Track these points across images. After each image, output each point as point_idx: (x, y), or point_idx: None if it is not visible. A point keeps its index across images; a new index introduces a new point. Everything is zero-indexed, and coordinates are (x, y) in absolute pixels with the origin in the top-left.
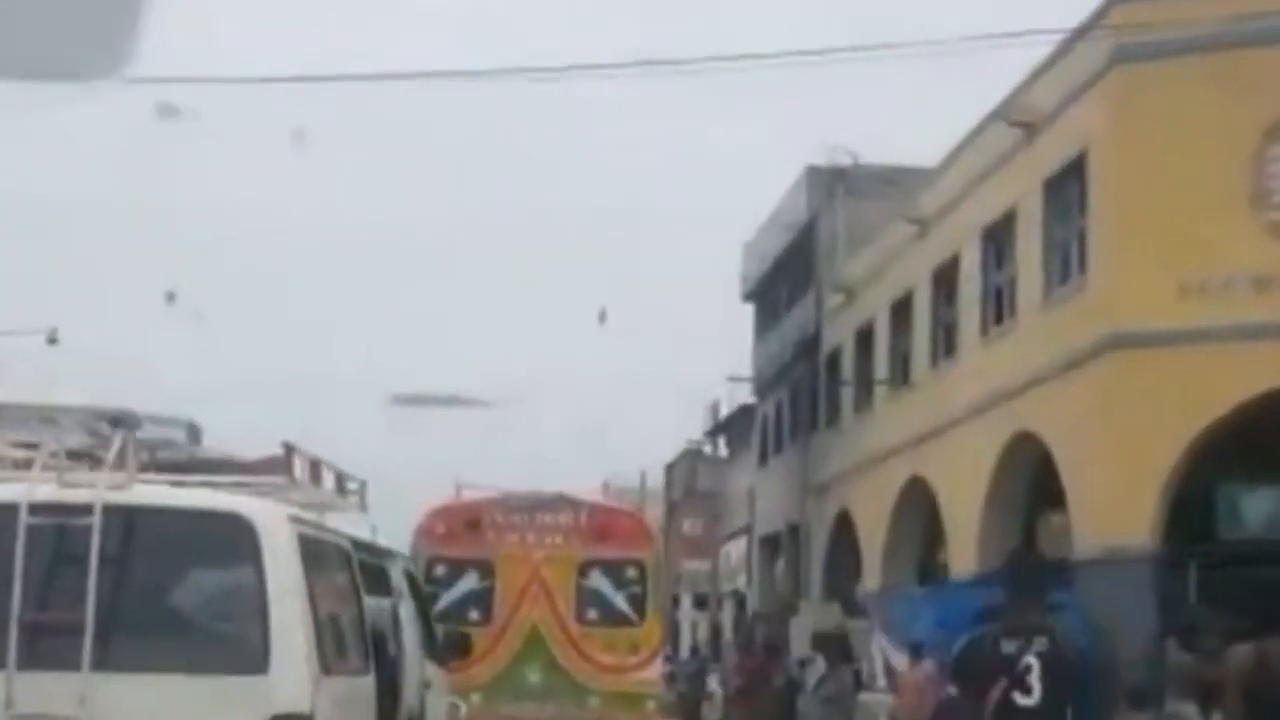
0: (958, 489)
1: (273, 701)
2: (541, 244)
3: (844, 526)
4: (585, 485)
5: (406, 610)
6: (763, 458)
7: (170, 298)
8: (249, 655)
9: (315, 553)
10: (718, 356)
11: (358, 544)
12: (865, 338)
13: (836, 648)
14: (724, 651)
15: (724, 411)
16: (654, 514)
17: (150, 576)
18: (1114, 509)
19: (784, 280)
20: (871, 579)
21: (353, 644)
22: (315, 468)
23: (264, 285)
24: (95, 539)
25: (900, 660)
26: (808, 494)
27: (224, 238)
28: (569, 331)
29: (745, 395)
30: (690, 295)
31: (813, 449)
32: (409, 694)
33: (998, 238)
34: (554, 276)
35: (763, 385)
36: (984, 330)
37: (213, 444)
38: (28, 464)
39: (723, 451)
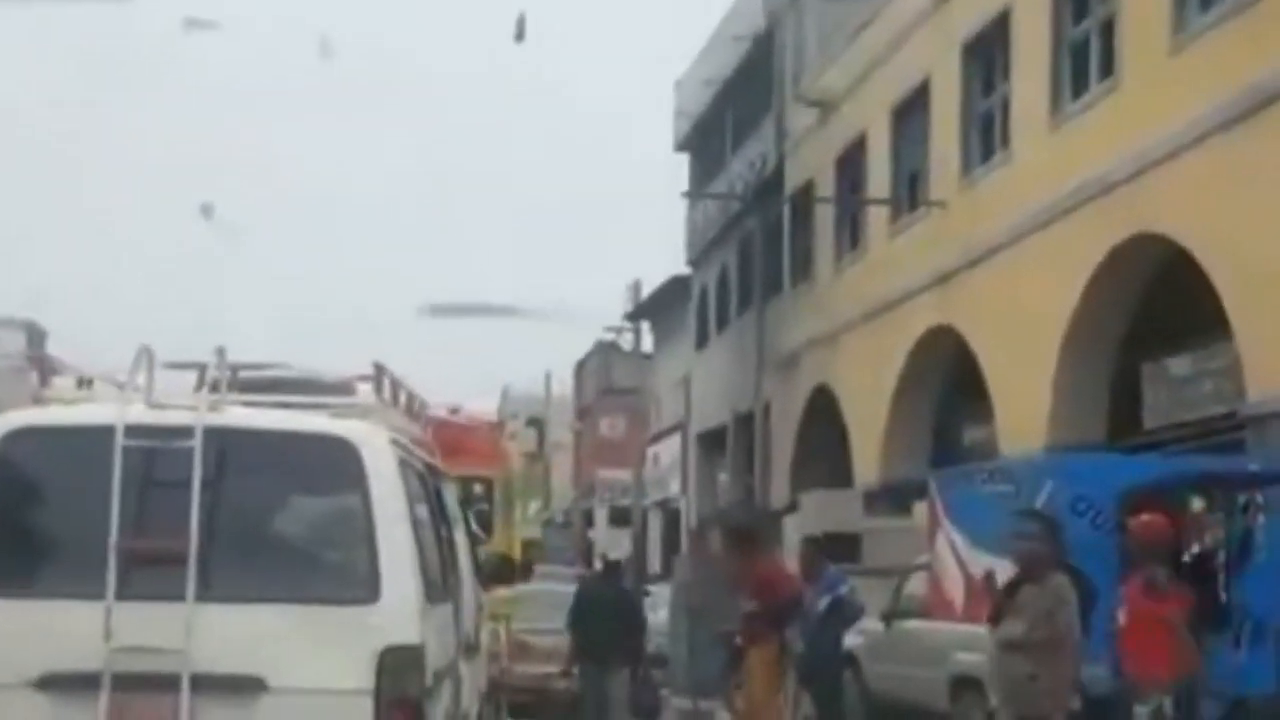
0: (1012, 335)
1: (384, 633)
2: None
3: (822, 406)
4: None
5: (461, 535)
6: (701, 338)
7: (207, 211)
8: (357, 584)
9: (410, 478)
10: (641, 226)
11: (429, 467)
12: (851, 161)
13: (1033, 539)
14: (678, 566)
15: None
16: (564, 420)
17: (252, 503)
18: None
19: (730, 110)
20: (867, 468)
21: (437, 571)
22: (395, 389)
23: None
24: (197, 462)
25: (1001, 568)
26: (767, 372)
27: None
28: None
29: (679, 263)
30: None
31: (773, 316)
32: (466, 620)
33: None
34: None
35: (701, 251)
36: (1056, 107)
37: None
38: (89, 383)
39: (647, 342)
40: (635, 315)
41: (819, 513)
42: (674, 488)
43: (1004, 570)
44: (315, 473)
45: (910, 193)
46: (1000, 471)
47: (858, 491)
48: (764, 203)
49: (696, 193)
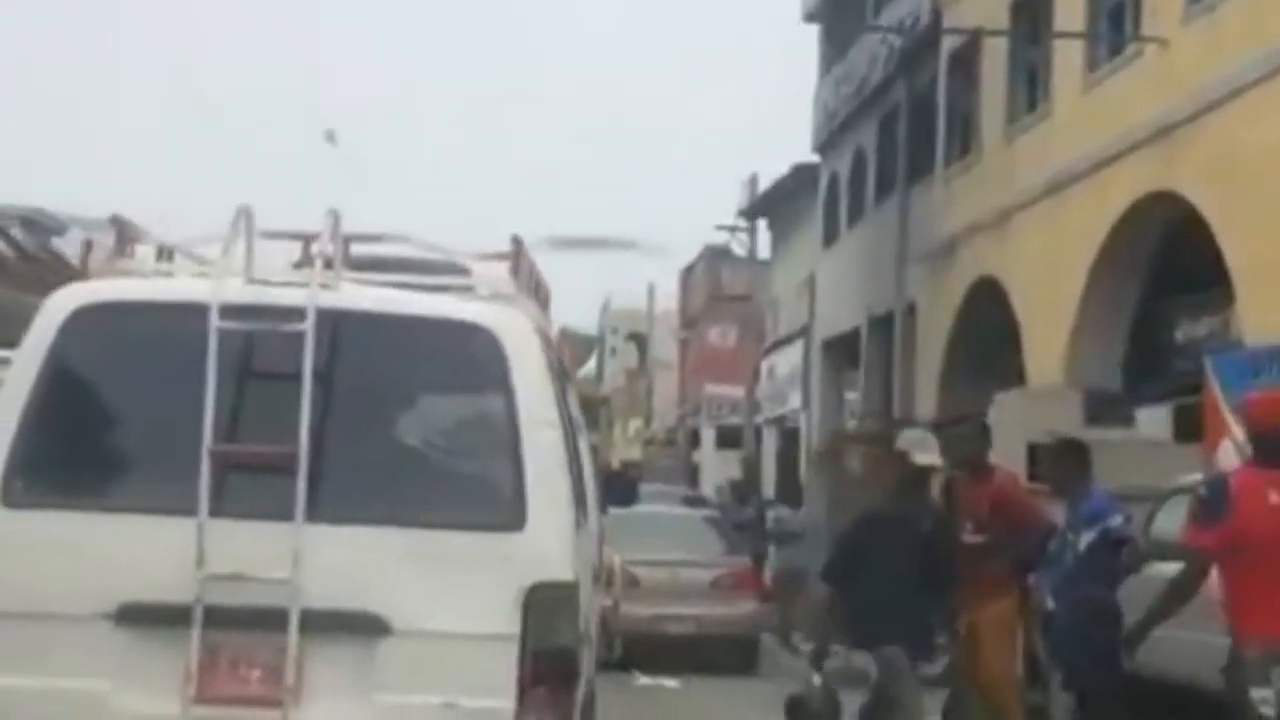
0: (1265, 196)
1: (532, 566)
2: None
3: (983, 303)
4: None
5: (586, 447)
6: (830, 232)
7: (330, 136)
8: (499, 506)
9: (554, 377)
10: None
11: (562, 366)
12: (1030, 6)
13: None
14: (810, 486)
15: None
16: (669, 335)
17: (372, 403)
18: None
19: None
20: (1044, 373)
21: (578, 491)
22: (531, 274)
23: None
24: (309, 350)
25: None
26: (912, 266)
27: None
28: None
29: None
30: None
31: (920, 201)
32: (594, 545)
33: None
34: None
35: (832, 133)
36: None
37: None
38: (169, 255)
39: (763, 245)
40: (751, 213)
41: (1023, 418)
42: (792, 402)
43: None
44: (449, 367)
45: (1115, 35)
46: None
47: (1076, 391)
48: (915, 66)
49: (865, 27)
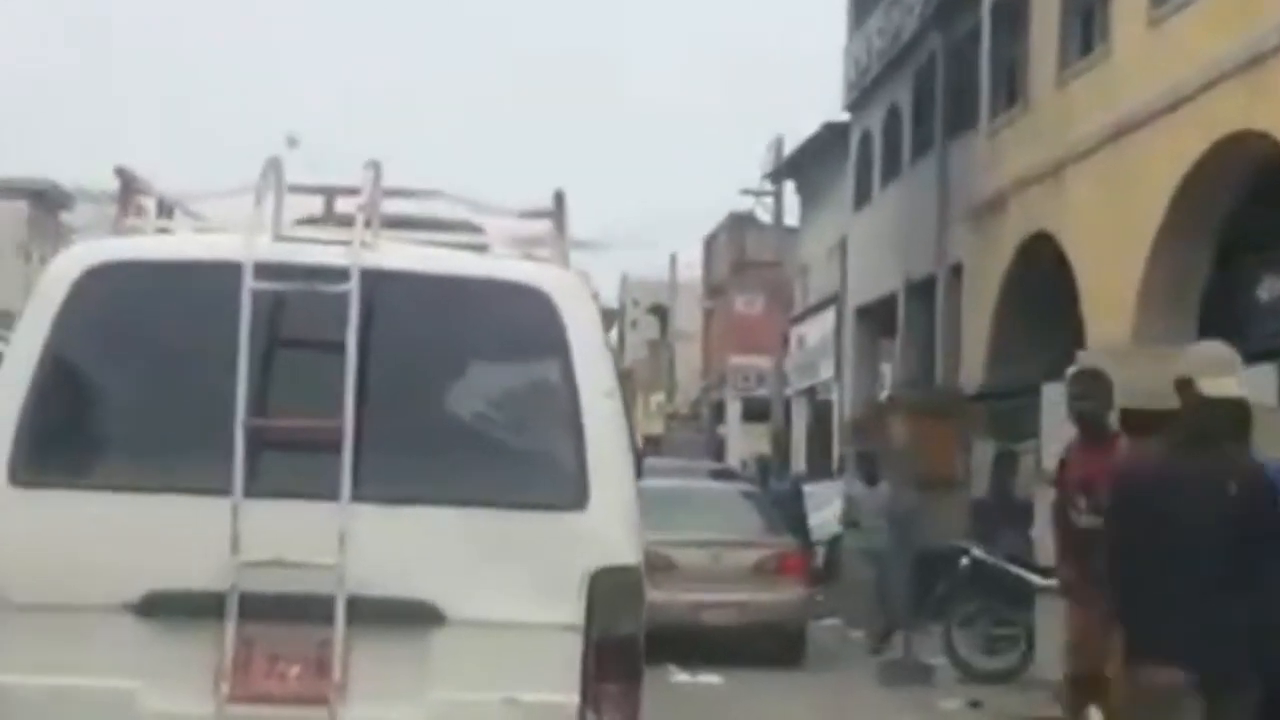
0: None
1: (594, 549)
2: None
3: (1036, 261)
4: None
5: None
6: (862, 194)
7: (291, 143)
8: (559, 484)
9: (609, 344)
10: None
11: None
12: None
13: None
14: (852, 466)
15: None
16: (691, 306)
17: (420, 371)
18: None
19: None
20: (1108, 335)
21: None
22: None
23: None
24: (354, 315)
25: None
26: (955, 224)
27: None
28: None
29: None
30: None
31: (962, 156)
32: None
33: None
34: None
35: (864, 90)
36: None
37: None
38: (169, 212)
39: (790, 210)
40: (777, 176)
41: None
42: (824, 373)
43: None
44: (502, 333)
45: None
46: None
47: (1174, 348)
48: (948, 19)
49: None
